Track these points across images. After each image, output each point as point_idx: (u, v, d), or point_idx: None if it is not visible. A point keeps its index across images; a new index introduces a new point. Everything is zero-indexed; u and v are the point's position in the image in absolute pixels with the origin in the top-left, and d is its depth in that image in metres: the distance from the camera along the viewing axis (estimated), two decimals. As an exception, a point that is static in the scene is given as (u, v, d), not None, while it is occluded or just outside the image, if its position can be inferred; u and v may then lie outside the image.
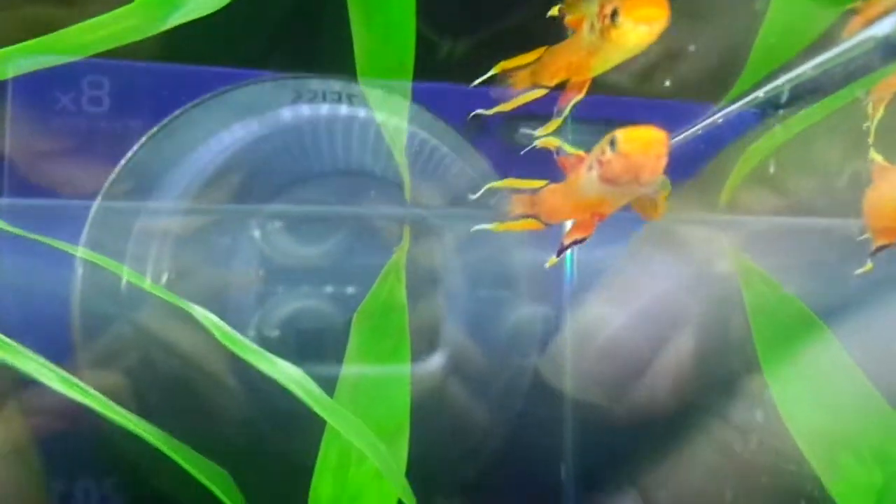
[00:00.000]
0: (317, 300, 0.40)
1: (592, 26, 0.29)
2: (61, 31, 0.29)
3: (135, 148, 0.38)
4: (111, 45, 0.30)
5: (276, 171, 0.39)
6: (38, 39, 0.29)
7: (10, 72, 0.32)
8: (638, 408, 0.40)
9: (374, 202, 0.41)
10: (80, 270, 0.37)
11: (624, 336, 0.40)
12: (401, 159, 0.39)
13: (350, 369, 0.36)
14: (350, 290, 0.40)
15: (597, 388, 0.40)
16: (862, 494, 0.32)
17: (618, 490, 0.42)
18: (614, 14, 0.28)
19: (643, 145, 0.28)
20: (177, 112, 0.39)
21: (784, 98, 0.36)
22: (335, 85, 0.40)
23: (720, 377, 0.40)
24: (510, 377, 0.41)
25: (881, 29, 0.32)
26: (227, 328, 0.32)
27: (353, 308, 0.37)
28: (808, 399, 0.34)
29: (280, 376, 0.31)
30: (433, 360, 0.40)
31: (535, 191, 0.33)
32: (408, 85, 0.37)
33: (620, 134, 0.28)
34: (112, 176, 0.38)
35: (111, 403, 0.31)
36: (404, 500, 0.32)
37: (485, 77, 0.33)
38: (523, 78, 0.33)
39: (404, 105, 0.38)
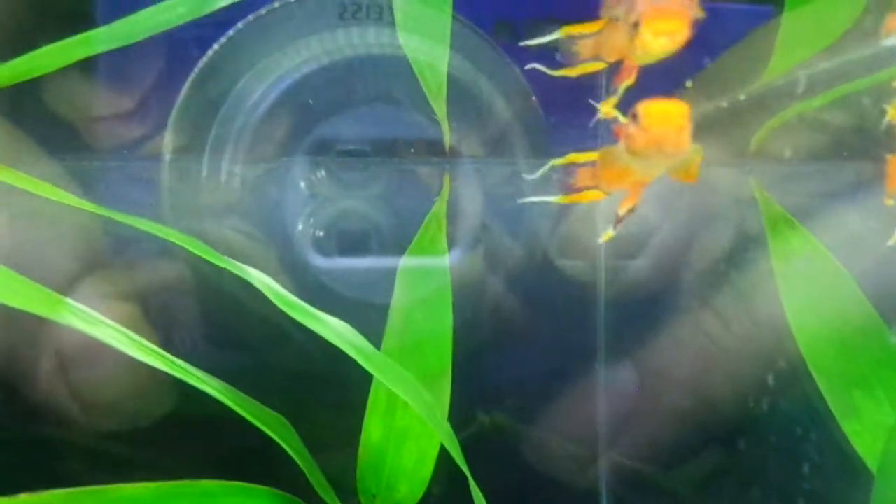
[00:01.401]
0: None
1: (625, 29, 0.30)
2: (120, 22, 0.31)
3: (203, 59, 0.40)
4: (161, 30, 0.32)
5: (325, 100, 0.41)
6: (95, 31, 0.31)
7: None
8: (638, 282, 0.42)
9: (414, 140, 0.42)
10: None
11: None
12: (441, 111, 0.40)
13: (396, 318, 0.38)
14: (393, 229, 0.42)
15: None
16: (873, 432, 0.34)
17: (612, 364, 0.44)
18: (636, 24, 0.29)
19: (663, 118, 0.29)
20: (239, 25, 0.40)
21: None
22: None
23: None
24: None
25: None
26: (279, 288, 0.34)
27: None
28: (828, 341, 0.35)
29: (328, 333, 0.33)
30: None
31: (594, 162, 0.34)
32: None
33: (641, 108, 0.29)
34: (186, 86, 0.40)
35: (173, 359, 0.33)
36: (446, 444, 0.35)
37: (549, 38, 0.34)
38: (587, 47, 0.34)
39: (445, 34, 0.39)
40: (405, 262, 0.39)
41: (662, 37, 0.29)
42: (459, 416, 0.37)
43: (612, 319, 0.43)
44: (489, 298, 0.43)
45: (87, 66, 0.39)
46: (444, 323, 0.38)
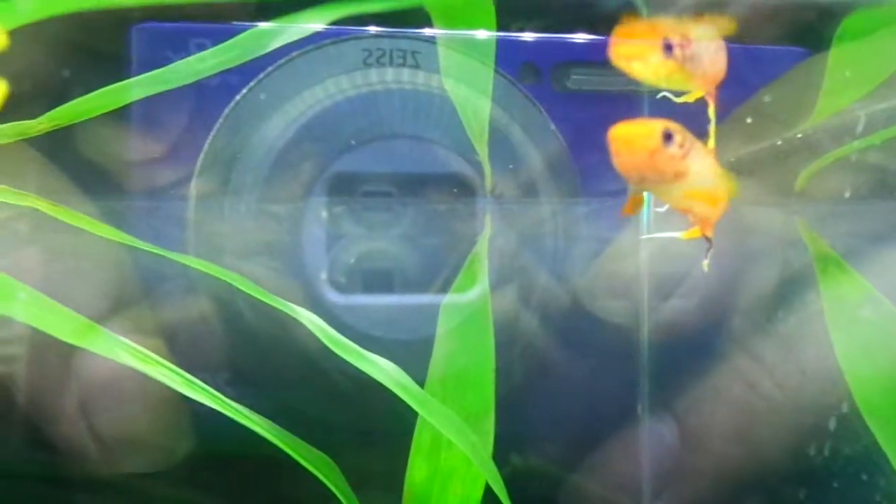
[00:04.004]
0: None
1: None
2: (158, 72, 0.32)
3: (230, 105, 0.41)
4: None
5: (345, 135, 0.41)
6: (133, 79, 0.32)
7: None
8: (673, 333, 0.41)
9: (442, 180, 0.42)
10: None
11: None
12: (482, 150, 0.40)
13: (438, 358, 0.38)
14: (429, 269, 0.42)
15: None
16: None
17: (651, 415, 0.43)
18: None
19: (624, 142, 0.28)
20: (269, 69, 0.41)
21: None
22: (403, 44, 0.41)
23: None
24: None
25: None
26: (328, 327, 0.34)
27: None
28: (882, 388, 0.35)
29: (374, 371, 0.33)
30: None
31: None
32: (491, 46, 0.39)
33: (610, 131, 0.28)
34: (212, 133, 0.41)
35: (220, 396, 0.34)
36: (492, 483, 0.34)
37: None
38: None
39: (487, 77, 0.39)
40: (447, 301, 0.39)
41: (631, 62, 0.28)
42: (498, 460, 0.37)
43: (654, 363, 0.43)
44: (526, 340, 0.43)
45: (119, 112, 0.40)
46: (487, 362, 0.38)
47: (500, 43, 0.41)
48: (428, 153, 0.41)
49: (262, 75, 0.41)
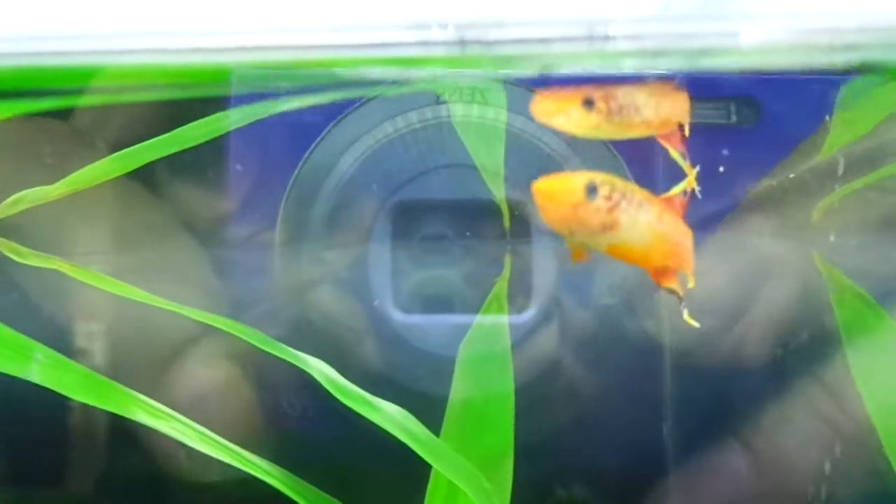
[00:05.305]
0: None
1: None
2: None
3: (311, 148, 0.43)
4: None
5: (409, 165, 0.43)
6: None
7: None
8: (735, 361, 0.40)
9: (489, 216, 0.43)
10: None
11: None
12: (500, 194, 0.41)
13: (455, 403, 0.38)
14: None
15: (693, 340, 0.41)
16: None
17: (720, 443, 0.43)
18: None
19: (547, 196, 0.28)
20: (347, 111, 0.42)
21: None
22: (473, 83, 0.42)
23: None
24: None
25: None
26: (337, 376, 0.35)
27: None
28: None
29: (384, 421, 0.34)
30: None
31: None
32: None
33: (533, 185, 0.28)
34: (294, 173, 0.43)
35: (238, 450, 0.34)
36: (507, 529, 0.34)
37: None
38: None
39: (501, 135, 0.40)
40: (464, 347, 0.39)
41: (549, 119, 0.29)
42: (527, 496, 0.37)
43: (679, 393, 0.42)
44: (559, 373, 0.43)
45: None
46: (506, 407, 0.38)
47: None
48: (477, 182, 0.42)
49: (340, 117, 0.42)
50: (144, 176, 0.39)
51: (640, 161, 0.40)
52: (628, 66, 0.29)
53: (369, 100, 0.42)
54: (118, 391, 0.33)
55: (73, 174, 0.35)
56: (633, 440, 0.44)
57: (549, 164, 0.42)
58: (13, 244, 0.34)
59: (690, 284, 0.31)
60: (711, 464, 0.43)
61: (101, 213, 0.41)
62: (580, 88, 0.29)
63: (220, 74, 0.31)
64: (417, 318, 0.43)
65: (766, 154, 0.41)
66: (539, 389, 0.42)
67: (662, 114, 0.31)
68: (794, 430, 0.41)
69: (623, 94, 0.29)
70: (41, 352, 0.32)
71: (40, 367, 0.32)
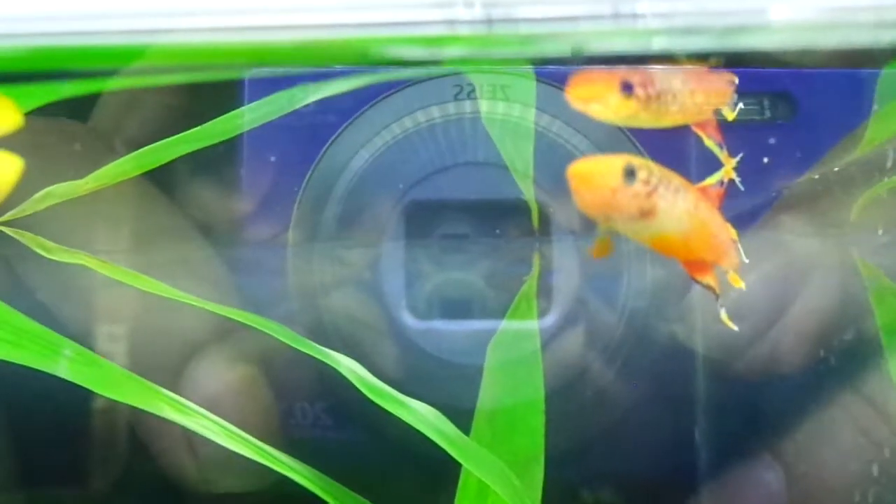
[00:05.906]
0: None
1: None
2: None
3: (325, 146, 0.42)
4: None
5: (425, 162, 0.42)
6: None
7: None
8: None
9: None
10: None
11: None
12: (529, 193, 0.40)
13: (485, 403, 0.38)
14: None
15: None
16: None
17: (752, 454, 0.42)
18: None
19: (582, 180, 0.27)
20: (363, 109, 0.42)
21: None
22: (484, 78, 0.41)
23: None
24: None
25: None
26: (366, 373, 0.34)
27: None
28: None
29: (415, 421, 0.33)
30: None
31: None
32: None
33: (569, 168, 0.27)
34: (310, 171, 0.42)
35: (269, 449, 0.34)
36: (538, 530, 0.34)
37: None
38: None
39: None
40: (493, 346, 0.38)
41: (588, 105, 0.28)
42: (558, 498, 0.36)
43: (711, 400, 0.41)
44: (587, 375, 0.43)
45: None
46: (536, 406, 0.37)
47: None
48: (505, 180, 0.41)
49: (356, 115, 0.42)
50: (157, 177, 0.39)
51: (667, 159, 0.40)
52: (657, 45, 0.29)
53: (387, 95, 0.42)
54: (145, 387, 0.33)
55: (99, 171, 0.35)
56: (664, 447, 0.43)
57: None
58: (41, 239, 0.34)
59: (738, 284, 0.30)
60: (742, 476, 0.42)
61: (115, 214, 0.41)
62: (615, 71, 0.28)
63: (241, 54, 0.30)
64: (435, 324, 0.42)
65: (802, 150, 0.40)
66: (567, 394, 0.41)
67: (698, 100, 0.30)
68: (831, 442, 0.40)
69: (660, 78, 0.28)
70: (69, 347, 0.32)
71: (69, 363, 0.32)
